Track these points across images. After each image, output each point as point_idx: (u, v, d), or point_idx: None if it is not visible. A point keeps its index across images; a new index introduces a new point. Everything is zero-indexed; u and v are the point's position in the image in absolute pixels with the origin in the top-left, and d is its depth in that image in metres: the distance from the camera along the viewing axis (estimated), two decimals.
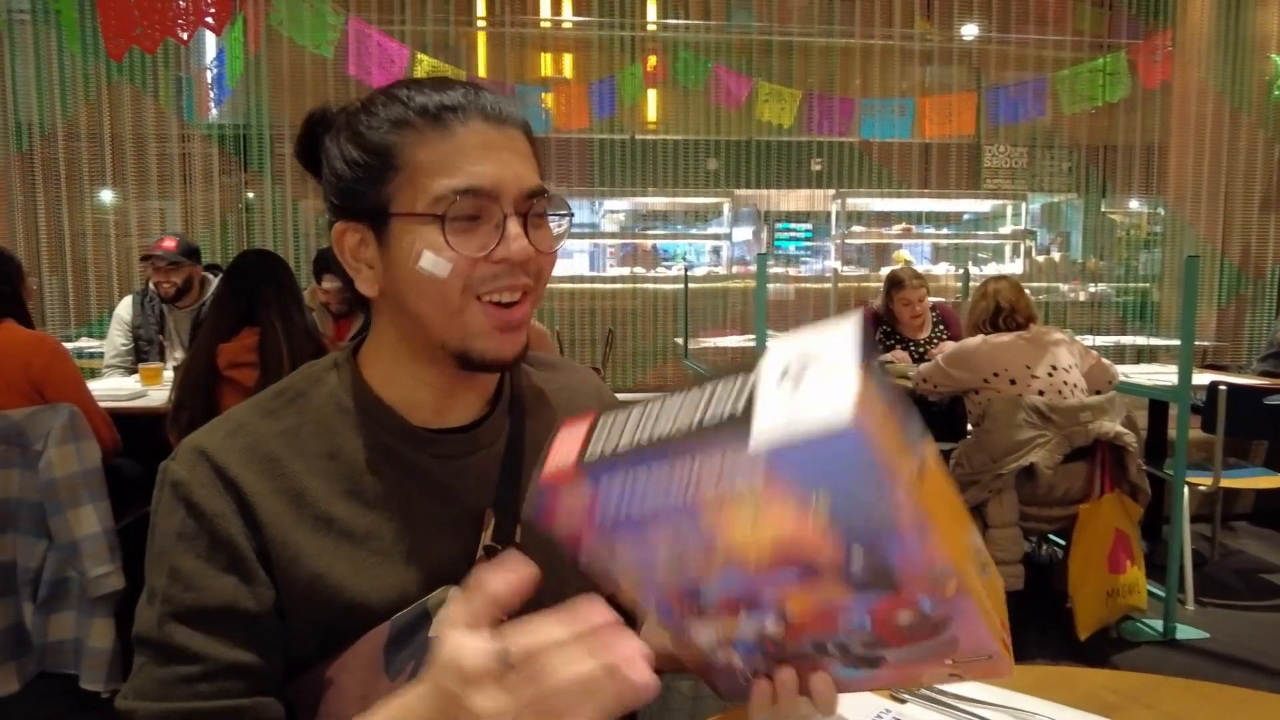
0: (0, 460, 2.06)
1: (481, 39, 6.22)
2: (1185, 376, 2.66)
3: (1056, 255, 6.78)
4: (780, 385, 0.43)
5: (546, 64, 6.37)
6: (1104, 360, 2.74)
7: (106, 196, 5.49)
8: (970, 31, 6.31)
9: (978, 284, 2.87)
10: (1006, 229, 6.65)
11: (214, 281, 3.26)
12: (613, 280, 5.99)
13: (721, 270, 6.19)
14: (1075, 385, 2.59)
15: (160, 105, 5.28)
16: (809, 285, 6.17)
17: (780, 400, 0.43)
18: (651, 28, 6.06)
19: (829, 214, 6.19)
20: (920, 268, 5.63)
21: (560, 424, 0.53)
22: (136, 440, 2.43)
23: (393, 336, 0.73)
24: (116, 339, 3.35)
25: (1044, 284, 6.34)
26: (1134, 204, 6.60)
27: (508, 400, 0.79)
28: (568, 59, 6.45)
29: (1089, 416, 2.49)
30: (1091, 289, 6.36)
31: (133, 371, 3.21)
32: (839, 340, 0.44)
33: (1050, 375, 2.57)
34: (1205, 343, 5.75)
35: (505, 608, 0.47)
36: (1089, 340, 5.51)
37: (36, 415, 2.06)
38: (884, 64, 6.11)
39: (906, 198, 6.41)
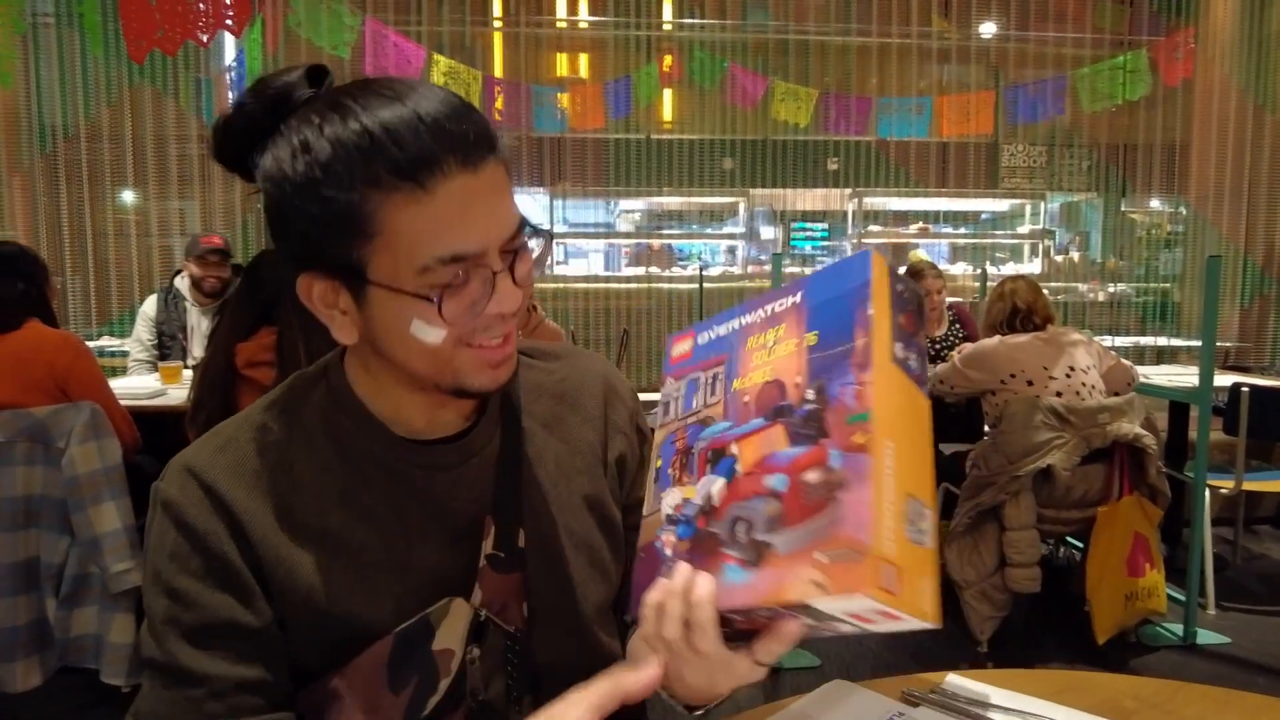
0: (24, 457, 2.09)
1: (497, 39, 6.24)
2: (1207, 378, 2.63)
3: (1075, 255, 6.71)
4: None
5: (562, 64, 6.38)
6: (1123, 361, 2.71)
7: (128, 197, 5.55)
8: (988, 30, 6.26)
9: (995, 283, 2.85)
10: (1025, 228, 6.60)
11: (234, 280, 3.32)
12: (628, 280, 5.99)
13: (737, 270, 6.17)
14: (1093, 386, 2.57)
15: (180, 106, 5.34)
16: None
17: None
18: (667, 27, 6.06)
19: (845, 213, 6.16)
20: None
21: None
22: (157, 438, 2.45)
23: (375, 365, 0.70)
24: (143, 334, 3.42)
25: (1062, 284, 6.28)
26: (1155, 203, 6.52)
27: (498, 404, 0.77)
28: (583, 59, 6.46)
29: (1107, 418, 2.46)
30: (1111, 289, 6.30)
31: (158, 368, 3.26)
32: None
33: (1068, 376, 2.54)
34: (1227, 344, 5.68)
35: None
36: (1108, 341, 5.46)
37: (59, 413, 2.09)
38: (901, 63, 6.08)
39: (923, 197, 6.37)
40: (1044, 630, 2.75)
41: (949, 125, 5.83)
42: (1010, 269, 6.33)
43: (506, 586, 0.73)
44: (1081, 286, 6.35)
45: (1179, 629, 2.69)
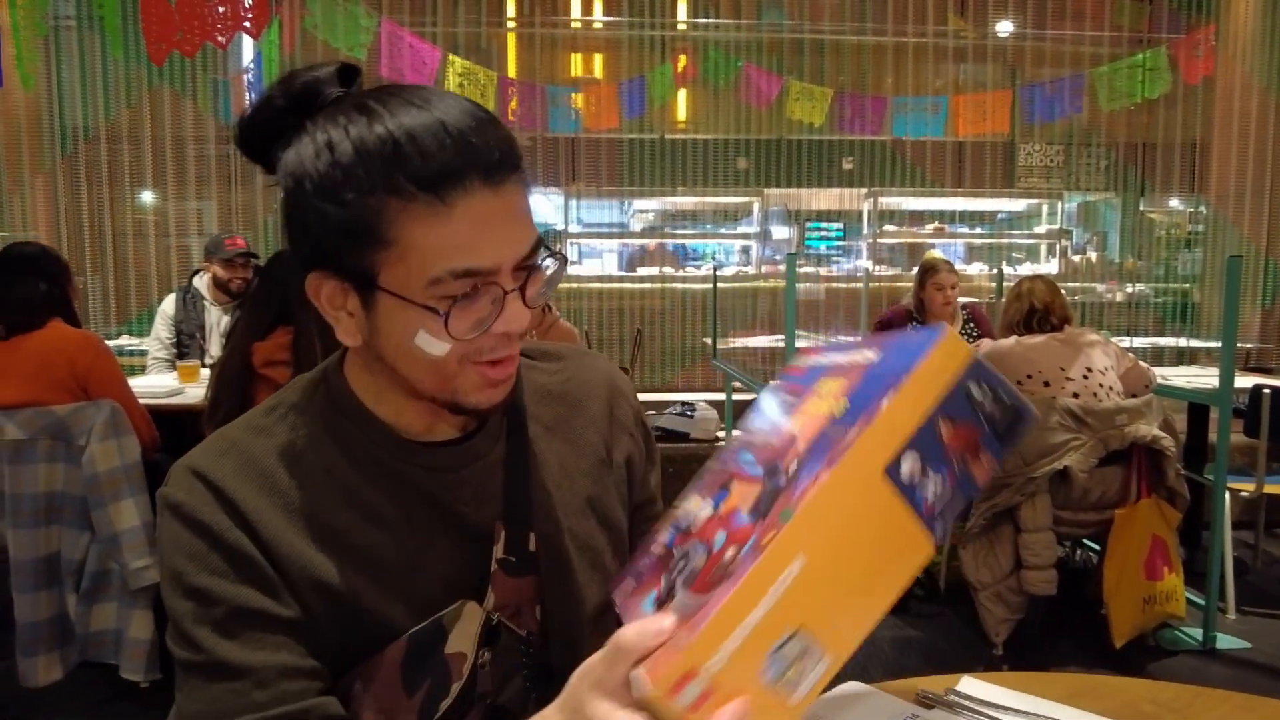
0: (46, 454, 2.12)
1: (512, 40, 6.26)
2: (1227, 379, 2.60)
3: (1093, 255, 6.65)
4: None
5: (577, 64, 6.39)
6: (1141, 364, 2.68)
7: (147, 197, 5.62)
8: (1005, 28, 6.22)
9: (1011, 283, 2.83)
10: (1041, 228, 6.55)
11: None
12: (641, 280, 5.99)
13: (751, 270, 6.16)
14: (1110, 388, 2.54)
15: (199, 108, 5.40)
16: (840, 285, 6.11)
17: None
18: (681, 27, 6.06)
19: (861, 213, 6.13)
20: None
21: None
22: (175, 436, 2.48)
23: (376, 370, 0.69)
24: (161, 333, 3.47)
25: (1080, 284, 6.23)
26: (1174, 202, 6.45)
27: (502, 409, 0.76)
28: (598, 59, 6.47)
29: (1125, 419, 2.44)
30: (1129, 289, 6.24)
31: (176, 366, 3.30)
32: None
33: (1085, 377, 2.52)
34: (1248, 345, 5.61)
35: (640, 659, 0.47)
36: (1125, 342, 5.41)
37: (80, 411, 2.12)
38: (917, 62, 6.05)
39: (939, 197, 6.33)
40: (1060, 633, 2.73)
41: (965, 124, 5.80)
42: (1027, 269, 6.29)
43: (519, 590, 0.73)
44: (1099, 287, 6.29)
45: (1198, 633, 2.66)
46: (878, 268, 6.03)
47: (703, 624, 0.43)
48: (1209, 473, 2.99)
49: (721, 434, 3.78)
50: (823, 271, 6.26)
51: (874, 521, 0.45)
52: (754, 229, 6.19)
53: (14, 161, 5.22)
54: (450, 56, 5.05)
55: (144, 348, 3.61)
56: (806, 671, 0.44)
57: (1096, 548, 2.92)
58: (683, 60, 5.63)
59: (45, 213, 5.39)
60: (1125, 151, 6.35)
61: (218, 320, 3.45)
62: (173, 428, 2.49)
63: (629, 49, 6.00)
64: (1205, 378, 3.28)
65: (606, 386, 0.84)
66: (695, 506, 0.58)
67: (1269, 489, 2.94)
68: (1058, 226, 6.33)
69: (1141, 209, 6.48)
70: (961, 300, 3.78)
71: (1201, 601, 2.68)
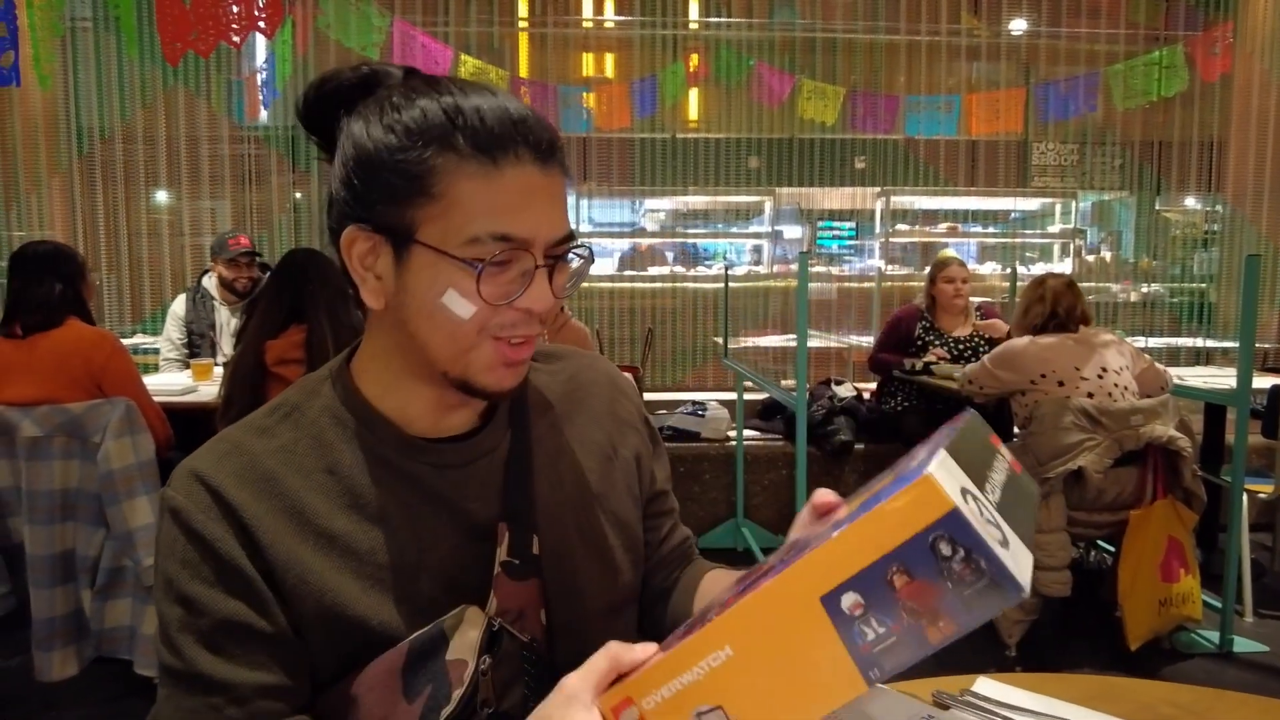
0: (62, 451, 2.14)
1: (524, 39, 6.26)
2: (1245, 379, 2.57)
3: (1107, 255, 6.60)
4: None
5: (588, 64, 6.39)
6: (1157, 365, 2.66)
7: (162, 197, 5.66)
8: (1019, 26, 6.17)
9: (1025, 283, 2.81)
10: (1055, 228, 6.50)
11: (263, 279, 3.37)
12: (653, 279, 5.99)
13: (762, 269, 6.14)
14: (1126, 388, 2.52)
15: (213, 108, 5.43)
16: (852, 285, 6.09)
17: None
18: (693, 26, 6.04)
19: (873, 212, 6.10)
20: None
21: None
22: (189, 434, 2.49)
23: (389, 347, 0.70)
24: (173, 333, 3.48)
25: (1094, 284, 6.18)
26: (1190, 201, 6.39)
27: (507, 405, 0.77)
28: (609, 58, 6.47)
29: (1140, 420, 2.42)
30: (1144, 289, 6.18)
31: (188, 366, 3.32)
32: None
33: (1100, 377, 2.50)
34: (1266, 345, 5.55)
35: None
36: (1140, 342, 5.36)
37: (95, 409, 2.14)
38: (930, 60, 6.01)
39: (952, 196, 6.30)
40: (1074, 635, 2.71)
41: (978, 123, 5.76)
42: (1040, 269, 6.24)
43: (522, 594, 0.72)
44: (1114, 286, 6.24)
45: (1215, 636, 2.63)
46: (890, 267, 6.00)
47: (648, 665, 0.49)
48: (1226, 474, 2.96)
49: (732, 433, 3.77)
50: (834, 271, 6.24)
51: (804, 641, 0.45)
52: (765, 228, 6.18)
53: (31, 161, 5.27)
54: (462, 56, 5.07)
55: (158, 346, 3.64)
56: None
57: (1111, 549, 2.90)
58: (694, 59, 5.63)
59: (62, 212, 5.44)
60: (1141, 150, 6.29)
61: (227, 320, 3.46)
62: (187, 425, 2.51)
63: (640, 48, 5.99)
64: (1222, 378, 3.25)
65: (607, 385, 0.85)
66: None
67: None
68: (1071, 226, 6.28)
69: (1157, 208, 6.42)
70: (975, 300, 3.76)
71: (1218, 604, 2.65)
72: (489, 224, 0.63)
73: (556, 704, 0.52)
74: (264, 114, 5.61)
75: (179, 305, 3.51)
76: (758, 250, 6.42)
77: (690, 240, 6.61)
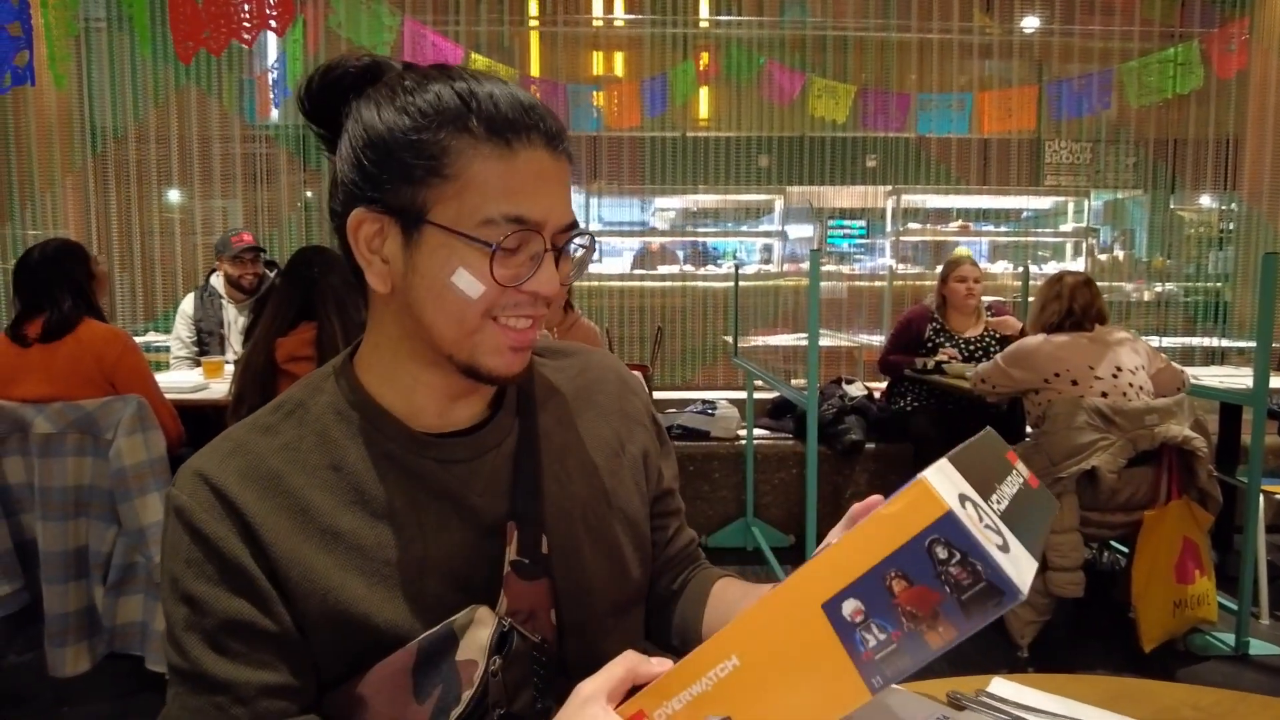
0: (75, 448, 2.15)
1: (534, 38, 6.26)
2: (1262, 379, 2.54)
3: (1120, 253, 6.55)
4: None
5: (598, 62, 6.38)
6: (1174, 365, 2.63)
7: (174, 196, 5.69)
8: (1031, 24, 6.13)
9: (1038, 282, 2.79)
10: (1068, 226, 6.45)
11: (271, 277, 3.39)
12: (662, 278, 5.98)
13: (773, 268, 6.12)
14: (1140, 387, 2.50)
15: (224, 107, 5.46)
16: (863, 283, 6.06)
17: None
18: (703, 24, 6.03)
19: (884, 211, 6.07)
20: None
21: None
22: (200, 431, 2.50)
23: (394, 335, 0.70)
24: (182, 332, 3.50)
25: (1107, 283, 6.13)
26: (1205, 199, 6.33)
27: (514, 399, 0.76)
28: (619, 57, 6.46)
29: (1155, 419, 2.39)
30: (1158, 288, 6.13)
31: (199, 364, 3.33)
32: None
33: (1115, 376, 2.47)
34: None
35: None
36: (1155, 341, 5.32)
37: (107, 406, 2.15)
38: (941, 58, 5.98)
39: (964, 194, 6.26)
40: (1087, 636, 2.68)
41: (990, 121, 5.73)
42: (1052, 268, 6.20)
43: (532, 594, 0.71)
44: (1127, 285, 6.19)
45: (1230, 639, 2.60)
46: (901, 266, 5.97)
47: (660, 678, 0.51)
48: (1242, 474, 2.93)
49: (742, 432, 3.76)
50: (845, 270, 6.21)
51: (808, 649, 0.46)
52: (776, 227, 6.16)
53: (46, 160, 5.30)
54: (473, 55, 5.07)
55: (169, 345, 3.66)
56: None
57: (1125, 550, 2.87)
58: (704, 58, 5.61)
59: (75, 211, 5.48)
60: (1155, 148, 6.24)
61: (234, 318, 3.48)
62: (198, 423, 2.52)
63: (651, 47, 5.98)
64: (1238, 378, 3.22)
65: (616, 381, 0.84)
66: None
67: None
68: (1084, 224, 6.23)
69: (1171, 206, 6.37)
70: (987, 299, 3.73)
71: (1234, 606, 2.63)
72: (503, 206, 0.63)
73: (574, 707, 0.52)
74: (275, 113, 5.63)
75: (188, 304, 3.53)
76: (768, 249, 6.40)
77: (700, 239, 6.59)
